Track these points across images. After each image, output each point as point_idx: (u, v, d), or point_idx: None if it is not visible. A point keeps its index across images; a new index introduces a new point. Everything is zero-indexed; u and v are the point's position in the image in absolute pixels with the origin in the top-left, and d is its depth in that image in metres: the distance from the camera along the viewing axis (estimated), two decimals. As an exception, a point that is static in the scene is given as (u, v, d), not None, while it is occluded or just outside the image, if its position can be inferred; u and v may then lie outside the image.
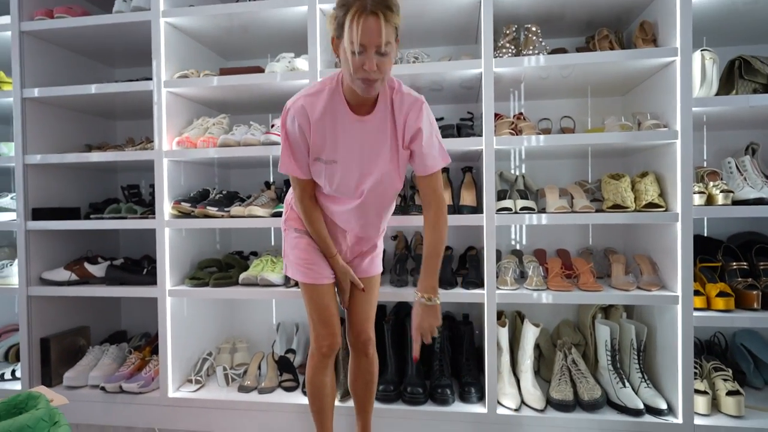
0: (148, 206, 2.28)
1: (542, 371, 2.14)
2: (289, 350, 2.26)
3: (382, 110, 1.33)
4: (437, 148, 1.38)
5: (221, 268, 2.17)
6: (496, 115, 1.93)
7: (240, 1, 2.25)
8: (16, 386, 2.16)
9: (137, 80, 2.12)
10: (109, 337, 2.54)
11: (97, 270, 2.18)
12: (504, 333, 1.92)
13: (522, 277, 2.02)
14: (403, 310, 2.20)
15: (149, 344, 2.36)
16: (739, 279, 1.80)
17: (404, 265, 2.07)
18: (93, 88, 2.09)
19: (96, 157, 2.14)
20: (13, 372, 2.24)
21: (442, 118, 2.23)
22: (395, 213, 1.73)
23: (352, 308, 1.58)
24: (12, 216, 2.17)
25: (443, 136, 1.79)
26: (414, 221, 1.88)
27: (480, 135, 1.83)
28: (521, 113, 2.14)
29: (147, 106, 2.08)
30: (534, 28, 1.92)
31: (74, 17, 2.09)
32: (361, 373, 1.63)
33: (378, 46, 1.13)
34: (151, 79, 2.03)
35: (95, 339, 2.46)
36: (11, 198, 2.21)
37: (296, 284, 2.00)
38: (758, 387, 1.97)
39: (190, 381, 2.11)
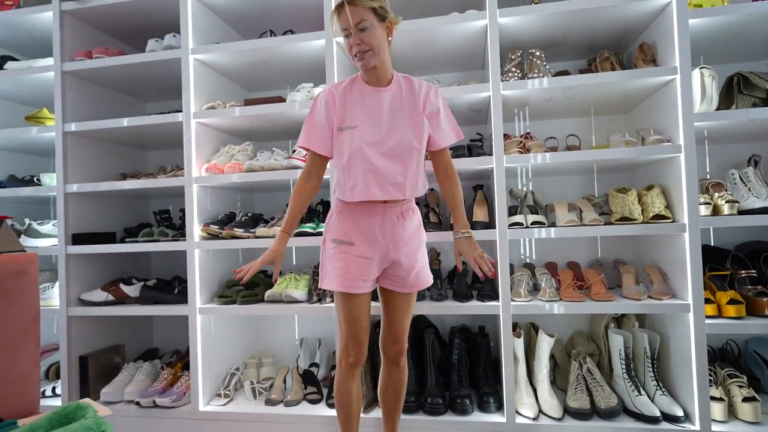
0: (178, 229, 2.32)
1: (558, 381, 2.11)
2: (313, 364, 2.26)
3: (397, 86, 1.50)
4: (450, 126, 1.57)
5: (247, 286, 2.18)
6: (504, 135, 1.94)
7: (261, 37, 2.32)
8: (57, 402, 2.19)
9: (168, 113, 2.18)
10: (143, 354, 2.55)
11: (132, 290, 2.21)
12: (520, 344, 1.90)
13: (535, 289, 2.01)
14: (422, 322, 2.19)
15: (180, 360, 2.37)
16: (749, 286, 1.77)
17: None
18: (125, 122, 2.16)
19: (128, 184, 2.18)
20: (53, 389, 2.27)
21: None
22: (429, 230, 1.81)
23: (390, 319, 1.57)
24: (54, 241, 2.23)
25: (454, 157, 1.84)
26: (451, 237, 1.90)
27: (490, 154, 1.85)
28: (528, 133, 2.15)
29: (177, 137, 2.13)
30: (538, 53, 1.95)
31: (111, 57, 2.17)
32: (392, 382, 1.61)
33: (355, 25, 1.35)
34: (180, 111, 2.09)
35: (129, 356, 2.48)
36: (53, 225, 2.27)
37: (319, 299, 2.02)
38: (773, 393, 1.91)
39: (219, 395, 2.11)
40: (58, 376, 2.38)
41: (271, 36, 2.32)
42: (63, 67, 2.18)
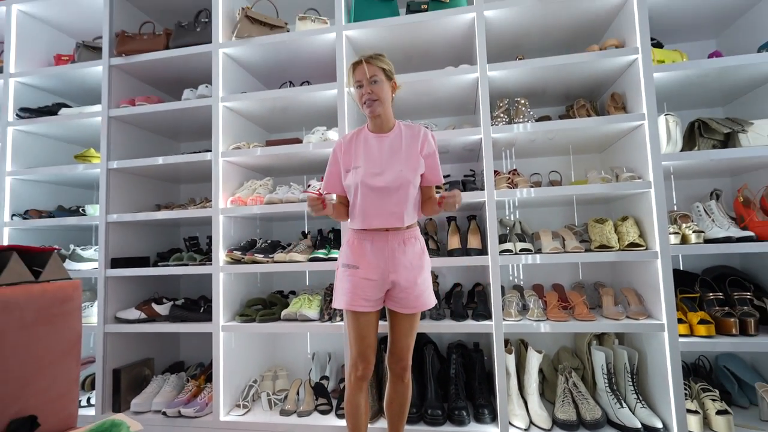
0: (205, 254, 2.32)
1: (546, 393, 2.05)
2: (323, 377, 2.21)
3: (397, 131, 1.54)
4: (438, 169, 1.57)
5: (265, 305, 2.16)
6: (494, 171, 1.96)
7: (282, 87, 2.37)
8: (90, 411, 2.13)
9: (198, 152, 2.20)
10: (170, 367, 2.50)
11: (162, 309, 2.19)
12: (511, 359, 1.86)
13: (524, 309, 1.98)
14: (422, 339, 2.15)
15: (204, 373, 2.32)
16: (717, 308, 1.73)
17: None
18: (160, 160, 2.18)
19: (162, 215, 2.19)
20: (88, 399, 2.22)
21: (448, 175, 2.27)
22: (430, 256, 1.75)
23: (395, 338, 1.54)
24: (94, 265, 2.22)
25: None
26: (448, 262, 1.88)
27: (482, 189, 1.86)
28: (515, 169, 2.17)
29: (206, 172, 2.15)
30: (523, 101, 1.98)
31: (151, 104, 2.21)
32: (397, 396, 1.57)
33: (369, 78, 1.44)
34: (210, 150, 2.11)
35: (158, 368, 2.44)
36: (94, 250, 2.27)
37: (330, 318, 1.99)
38: (744, 406, 1.85)
39: (238, 406, 2.06)
40: (93, 387, 2.33)
41: (290, 86, 2.37)
42: (109, 113, 2.22)
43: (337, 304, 1.50)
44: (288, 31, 2.24)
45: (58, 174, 2.31)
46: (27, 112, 2.33)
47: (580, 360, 2.04)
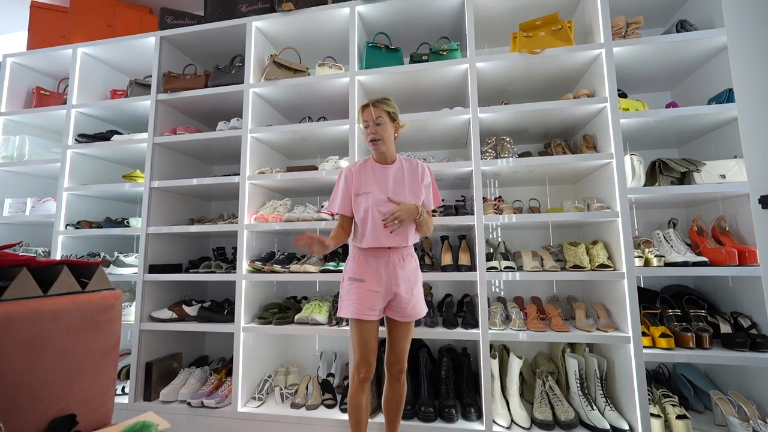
0: (230, 263, 2.29)
1: (525, 394, 1.99)
2: (330, 374, 2.15)
3: (399, 164, 1.54)
4: (435, 195, 1.58)
5: (281, 309, 2.12)
6: (483, 198, 1.94)
7: (302, 121, 2.38)
8: (124, 400, 2.07)
9: (228, 175, 2.20)
10: (195, 360, 2.45)
11: (191, 310, 2.15)
12: (495, 364, 1.81)
13: (507, 318, 1.94)
14: (416, 343, 2.10)
15: (225, 367, 2.27)
16: (675, 323, 1.70)
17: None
18: (194, 181, 2.17)
19: (194, 228, 2.16)
20: (123, 388, 2.16)
21: (443, 199, 2.25)
22: (424, 270, 1.78)
23: (393, 342, 1.50)
24: (135, 270, 2.19)
25: (445, 215, 1.83)
26: (441, 276, 1.85)
27: (472, 214, 1.84)
28: (500, 197, 2.15)
29: (234, 192, 2.15)
30: (507, 138, 1.97)
31: (190, 133, 2.22)
32: (393, 395, 1.53)
33: (372, 119, 1.44)
34: (238, 174, 2.11)
35: (185, 362, 2.38)
36: (135, 257, 2.24)
37: (337, 323, 1.95)
38: (700, 411, 1.79)
39: (254, 398, 2.00)
40: (128, 377, 2.27)
41: (309, 121, 2.38)
42: (154, 140, 2.23)
43: (343, 313, 1.46)
44: (309, 74, 2.26)
45: (107, 191, 2.30)
46: (84, 138, 2.34)
47: (555, 365, 1.99)
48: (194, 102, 2.32)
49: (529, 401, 1.92)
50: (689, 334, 1.61)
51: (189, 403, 1.94)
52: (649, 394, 1.65)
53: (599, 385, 1.75)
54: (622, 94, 1.99)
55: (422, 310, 1.51)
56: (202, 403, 1.93)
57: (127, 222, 2.30)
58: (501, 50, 2.37)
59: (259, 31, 2.24)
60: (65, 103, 2.43)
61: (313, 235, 1.37)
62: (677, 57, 1.88)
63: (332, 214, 2.00)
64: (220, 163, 2.78)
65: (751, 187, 1.19)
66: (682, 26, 1.85)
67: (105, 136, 2.37)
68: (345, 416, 1.80)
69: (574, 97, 1.90)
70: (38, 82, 2.70)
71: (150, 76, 2.35)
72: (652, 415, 1.58)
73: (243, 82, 2.16)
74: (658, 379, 1.94)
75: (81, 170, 2.41)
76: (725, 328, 1.66)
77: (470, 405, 1.77)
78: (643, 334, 1.64)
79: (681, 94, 2.13)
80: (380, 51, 2.07)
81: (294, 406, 1.93)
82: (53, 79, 2.80)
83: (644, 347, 1.61)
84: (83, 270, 0.89)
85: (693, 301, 1.80)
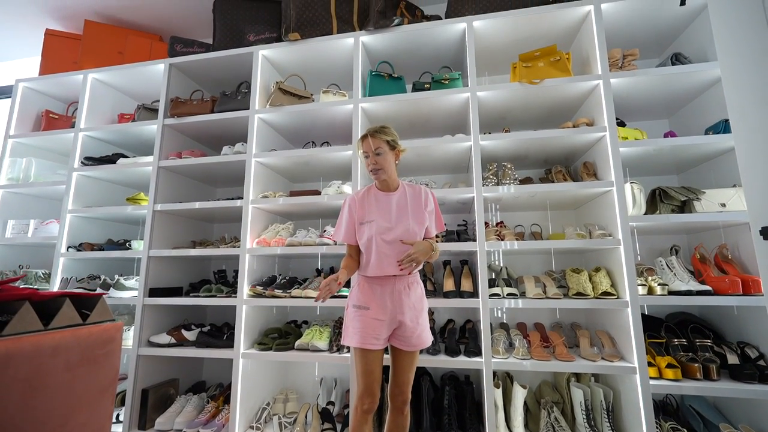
0: (230, 286, 2.27)
1: (530, 424, 1.92)
2: (329, 402, 2.10)
3: (402, 191, 1.54)
4: (439, 221, 1.58)
5: (281, 334, 2.09)
6: (485, 223, 1.94)
7: (305, 146, 2.41)
8: (118, 429, 2.01)
9: (231, 199, 2.21)
10: (193, 386, 2.39)
11: (191, 335, 2.12)
12: (499, 393, 1.77)
13: (510, 345, 1.90)
14: (418, 370, 2.04)
15: (222, 393, 2.22)
16: (682, 353, 1.67)
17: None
18: (197, 204, 2.18)
19: (196, 252, 2.16)
20: (117, 416, 2.10)
21: (445, 224, 2.25)
22: (428, 296, 1.75)
23: (397, 372, 1.47)
24: (135, 293, 2.17)
25: (447, 240, 1.82)
26: (444, 303, 1.82)
27: (474, 240, 1.84)
28: (502, 222, 2.15)
29: (237, 215, 2.15)
30: (509, 165, 1.99)
31: (195, 158, 2.24)
32: (396, 427, 1.48)
33: (372, 150, 1.45)
34: (241, 198, 2.12)
35: (182, 387, 2.32)
36: (135, 280, 2.22)
37: (338, 350, 1.91)
38: (709, 443, 1.74)
39: (251, 427, 1.94)
40: (122, 403, 2.21)
41: (312, 145, 2.41)
42: (159, 164, 2.25)
43: (347, 341, 1.44)
44: (313, 101, 2.30)
45: (110, 213, 2.30)
46: (90, 160, 2.36)
47: (560, 394, 1.93)
48: (200, 127, 2.36)
49: (532, 431, 1.86)
50: (696, 364, 1.58)
51: (185, 433, 1.88)
52: (657, 427, 1.60)
53: (606, 416, 1.70)
54: (621, 123, 2.02)
55: (427, 339, 1.49)
56: (198, 432, 1.88)
57: (129, 245, 2.29)
58: (501, 78, 2.42)
59: (266, 59, 2.30)
60: (73, 126, 2.47)
61: (327, 281, 1.36)
62: (673, 88, 1.92)
63: (335, 242, 2.00)
64: (223, 185, 2.80)
65: (751, 218, 1.20)
66: (677, 59, 1.90)
67: (111, 159, 2.40)
68: (345, 448, 1.74)
69: (574, 126, 1.93)
70: (48, 105, 2.75)
71: (158, 101, 2.39)
72: (661, 449, 1.53)
73: (248, 108, 2.20)
74: (666, 410, 1.88)
75: (86, 192, 2.42)
76: (732, 359, 1.63)
77: (474, 437, 1.72)
78: (649, 364, 1.61)
79: (678, 122, 2.16)
80: (383, 79, 2.11)
81: (292, 436, 1.87)
82: (63, 103, 2.85)
83: (651, 378, 1.57)
84: (85, 301, 0.89)
85: (698, 329, 1.77)
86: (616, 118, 1.88)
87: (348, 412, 1.95)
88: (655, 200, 1.76)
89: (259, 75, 2.23)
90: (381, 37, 2.12)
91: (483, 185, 1.88)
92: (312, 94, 2.30)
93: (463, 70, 2.14)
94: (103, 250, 2.25)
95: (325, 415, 1.97)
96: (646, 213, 1.74)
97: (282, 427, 1.96)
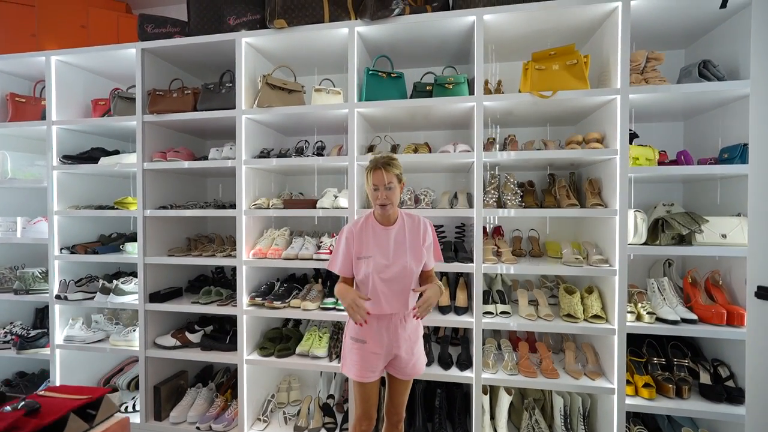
0: (229, 286, 2.32)
1: (513, 417, 2.12)
2: (330, 396, 2.27)
3: (401, 224, 1.51)
4: (437, 253, 1.58)
5: (282, 338, 2.18)
6: (483, 228, 1.92)
7: (298, 144, 2.26)
8: (135, 419, 2.18)
9: (223, 207, 2.15)
10: (201, 371, 2.56)
11: (194, 338, 2.20)
12: (486, 399, 1.92)
13: (500, 354, 2.01)
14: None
15: (229, 381, 2.39)
16: (659, 372, 1.79)
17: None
18: (188, 213, 2.12)
19: (192, 260, 2.15)
20: (134, 405, 2.27)
21: (443, 233, 2.24)
22: None
23: (392, 396, 1.58)
24: (135, 297, 2.20)
25: (444, 257, 1.84)
26: (439, 319, 1.88)
27: (471, 262, 1.84)
28: (500, 227, 2.14)
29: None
30: (511, 180, 1.93)
31: (181, 160, 2.12)
32: None
33: (384, 184, 1.41)
34: (234, 207, 2.06)
35: (191, 372, 2.47)
36: (134, 284, 2.24)
37: (337, 357, 2.02)
38: (672, 440, 1.95)
39: (259, 419, 2.13)
40: (136, 388, 2.39)
41: (306, 144, 2.28)
42: (144, 166, 2.13)
43: (346, 372, 1.52)
44: (304, 92, 2.12)
45: (98, 214, 2.23)
46: (69, 159, 2.23)
47: (542, 391, 2.10)
48: (183, 123, 2.20)
49: (516, 425, 2.06)
50: (670, 385, 1.71)
51: (198, 428, 2.06)
52: (627, 430, 1.78)
53: (581, 421, 1.88)
54: (633, 134, 1.91)
55: (421, 368, 1.57)
56: (210, 427, 2.05)
57: (123, 247, 2.27)
58: (511, 66, 2.21)
59: (250, 46, 2.06)
60: (44, 117, 2.27)
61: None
62: (694, 101, 1.78)
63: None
64: (215, 181, 2.69)
65: (750, 276, 1.19)
66: (705, 66, 1.73)
67: (91, 155, 2.26)
68: (344, 444, 1.93)
69: (584, 139, 1.83)
70: (11, 86, 2.50)
71: (133, 87, 2.19)
72: (627, 454, 1.72)
73: (234, 105, 2.03)
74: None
75: (69, 189, 2.32)
76: (705, 378, 1.75)
77: (461, 436, 1.90)
78: (628, 381, 1.73)
79: (694, 130, 2.05)
80: (381, 79, 1.93)
81: (297, 429, 2.05)
82: (28, 81, 2.59)
83: (627, 395, 1.71)
84: (91, 404, 0.91)
85: (678, 347, 1.87)
86: (629, 130, 1.76)
87: (347, 403, 2.12)
88: (657, 230, 1.73)
89: (243, 66, 2.02)
90: (379, 27, 1.88)
91: (484, 205, 1.83)
92: (303, 86, 2.11)
93: (470, 65, 1.95)
94: (96, 253, 2.23)
95: (326, 409, 2.15)
96: (646, 241, 1.73)
97: (287, 420, 2.15)
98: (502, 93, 2.08)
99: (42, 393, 0.99)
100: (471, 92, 1.86)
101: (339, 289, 1.49)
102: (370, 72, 1.91)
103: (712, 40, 1.90)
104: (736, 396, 1.65)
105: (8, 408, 0.81)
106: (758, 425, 1.14)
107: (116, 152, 2.37)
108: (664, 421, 1.99)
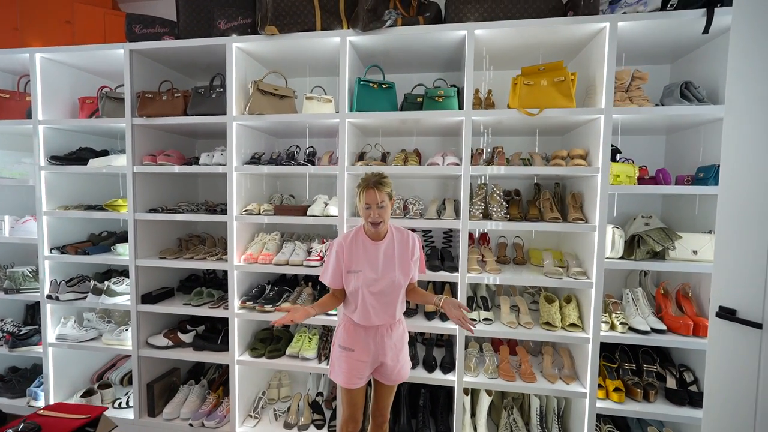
0: (220, 286, 2.36)
1: (492, 414, 2.24)
2: (318, 393, 2.36)
3: (390, 239, 1.57)
4: (422, 266, 1.66)
5: (273, 338, 2.25)
6: (469, 235, 1.97)
7: (289, 149, 2.28)
8: (129, 415, 2.24)
9: (214, 212, 2.17)
10: (193, 366, 2.62)
11: (186, 338, 2.25)
12: (467, 399, 2.03)
13: (482, 357, 2.11)
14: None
15: (221, 377, 2.45)
16: (629, 377, 1.91)
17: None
18: (179, 216, 2.14)
19: (184, 263, 2.17)
20: (127, 401, 2.33)
21: (432, 237, 2.30)
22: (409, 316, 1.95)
23: (378, 399, 1.67)
24: (127, 298, 2.24)
25: (430, 267, 1.90)
26: (425, 324, 1.96)
27: (456, 271, 1.91)
28: (486, 233, 2.20)
29: (221, 223, 2.13)
30: (497, 191, 1.98)
31: (171, 164, 2.12)
32: None
33: (376, 203, 1.45)
34: (225, 212, 2.09)
35: (183, 368, 2.54)
36: (126, 285, 2.27)
37: (326, 359, 2.10)
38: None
39: (250, 416, 2.21)
40: (130, 383, 2.45)
41: (297, 150, 2.29)
42: (134, 170, 2.13)
43: (334, 378, 1.60)
44: (296, 98, 2.13)
45: (88, 216, 2.23)
46: (57, 160, 2.21)
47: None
48: (173, 127, 2.19)
49: (495, 422, 2.18)
50: (639, 389, 1.83)
51: (191, 424, 2.14)
52: (596, 429, 1.91)
53: (556, 420, 2.00)
54: (615, 149, 1.98)
55: (406, 373, 1.66)
56: (202, 423, 2.13)
57: (114, 247, 2.29)
58: (502, 75, 2.24)
59: (241, 51, 2.05)
60: (29, 115, 2.24)
61: (294, 312, 1.45)
62: (676, 119, 1.84)
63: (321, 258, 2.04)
64: (207, 176, 2.69)
65: (713, 295, 1.27)
66: (687, 87, 1.79)
67: (79, 156, 2.25)
68: (332, 440, 2.03)
69: (569, 155, 1.88)
70: (-5, 80, 2.45)
71: (121, 86, 2.17)
72: (596, 451, 1.85)
73: (225, 111, 2.03)
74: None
75: (58, 188, 2.31)
76: (671, 383, 1.87)
77: (443, 433, 2.01)
78: (599, 386, 1.85)
79: (675, 144, 2.12)
80: (372, 90, 1.94)
81: (287, 425, 2.15)
82: (11, 75, 2.54)
83: (598, 398, 1.82)
84: (91, 423, 0.96)
85: (649, 352, 1.99)
86: (612, 146, 1.82)
87: (335, 400, 2.21)
88: (633, 246, 1.82)
89: (234, 72, 2.01)
90: (372, 36, 1.88)
91: (470, 217, 1.89)
92: (294, 92, 2.11)
93: (461, 73, 1.97)
94: (87, 254, 2.24)
95: (314, 406, 2.24)
96: (622, 256, 1.82)
97: (277, 416, 2.24)
98: (492, 102, 2.13)
99: (41, 413, 1.04)
100: (461, 103, 1.89)
101: (321, 300, 1.58)
102: (362, 82, 1.92)
103: (696, 58, 1.95)
104: (697, 400, 1.78)
105: (10, 431, 0.86)
106: (712, 428, 1.25)
107: (105, 152, 2.36)
108: (633, 421, 2.12)
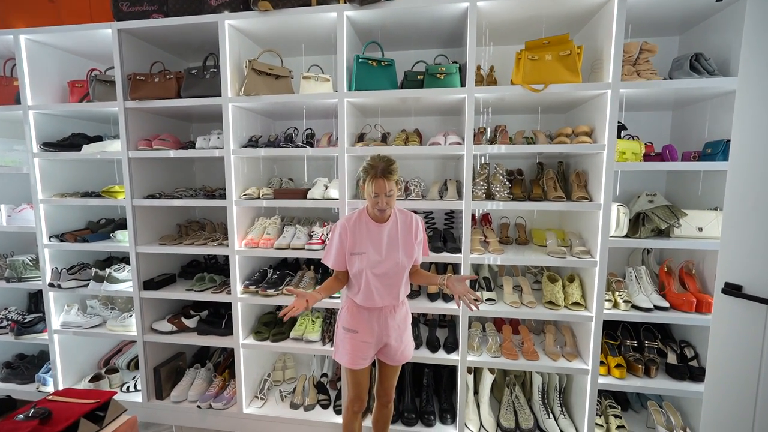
0: (222, 272, 2.37)
1: (495, 391, 2.29)
2: (323, 374, 2.40)
3: (393, 221, 1.56)
4: (425, 249, 1.65)
5: (276, 322, 2.27)
6: (471, 215, 1.97)
7: (287, 131, 2.23)
8: (137, 398, 2.29)
9: (213, 197, 2.14)
10: (199, 350, 2.65)
11: (191, 323, 2.27)
12: (470, 378, 2.06)
13: (485, 337, 2.13)
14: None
15: (226, 360, 2.49)
16: (631, 353, 1.93)
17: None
18: (176, 202, 2.12)
19: (184, 249, 2.16)
20: (135, 385, 2.38)
21: (433, 222, 2.29)
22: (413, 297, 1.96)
23: (382, 379, 1.69)
24: (129, 285, 2.24)
25: (433, 248, 1.90)
26: (428, 306, 1.97)
27: (459, 252, 1.90)
28: (488, 214, 2.19)
29: (220, 208, 2.10)
30: (501, 171, 1.95)
31: (167, 148, 2.09)
32: (381, 417, 1.76)
33: (385, 192, 1.44)
34: (224, 197, 2.07)
35: (189, 352, 2.57)
36: (127, 272, 2.27)
37: (330, 341, 2.12)
38: (637, 411, 2.14)
39: (256, 397, 2.26)
40: (136, 367, 2.49)
41: (295, 132, 2.24)
42: (129, 155, 2.09)
43: (339, 359, 1.61)
44: (292, 77, 2.07)
45: (85, 203, 2.21)
46: (50, 147, 2.17)
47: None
48: (167, 109, 2.14)
49: (497, 399, 2.23)
50: (640, 365, 1.85)
51: (199, 406, 2.18)
52: (598, 404, 1.95)
53: (557, 396, 2.04)
54: (621, 126, 1.94)
55: (410, 354, 1.68)
56: (210, 405, 2.18)
57: (113, 234, 2.28)
58: (506, 50, 2.17)
59: (234, 29, 1.98)
60: (18, 100, 2.18)
61: (298, 302, 1.44)
62: (684, 93, 1.79)
63: (322, 241, 2.03)
64: (204, 161, 2.64)
65: (719, 271, 1.26)
66: (697, 59, 1.73)
67: (72, 142, 2.21)
68: (339, 418, 2.08)
69: (573, 133, 1.85)
70: (-20, 64, 2.37)
71: (112, 68, 2.11)
72: (597, 425, 1.90)
73: (219, 92, 1.98)
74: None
75: (53, 176, 2.28)
76: (672, 358, 1.90)
77: (446, 410, 2.05)
78: (601, 362, 1.87)
79: (682, 118, 2.07)
80: (371, 67, 1.88)
81: (293, 406, 2.19)
82: (-3, 58, 2.46)
83: (600, 375, 1.85)
84: (100, 407, 0.97)
85: (650, 329, 2.01)
86: (618, 122, 1.78)
87: (339, 378, 2.25)
88: (638, 224, 1.80)
89: (228, 51, 1.94)
90: (369, 10, 1.81)
91: (473, 197, 1.86)
92: (291, 71, 2.05)
93: (462, 49, 1.90)
94: (86, 241, 2.23)
95: (320, 387, 2.29)
96: (627, 234, 1.81)
97: (283, 397, 2.28)
98: (495, 79, 2.08)
99: (51, 398, 1.05)
100: (462, 80, 1.84)
101: (324, 284, 1.58)
102: (360, 60, 1.86)
103: (707, 29, 1.89)
104: (697, 375, 1.81)
105: (21, 416, 0.87)
106: (714, 401, 1.27)
107: (98, 138, 2.32)
108: (633, 396, 2.17)
